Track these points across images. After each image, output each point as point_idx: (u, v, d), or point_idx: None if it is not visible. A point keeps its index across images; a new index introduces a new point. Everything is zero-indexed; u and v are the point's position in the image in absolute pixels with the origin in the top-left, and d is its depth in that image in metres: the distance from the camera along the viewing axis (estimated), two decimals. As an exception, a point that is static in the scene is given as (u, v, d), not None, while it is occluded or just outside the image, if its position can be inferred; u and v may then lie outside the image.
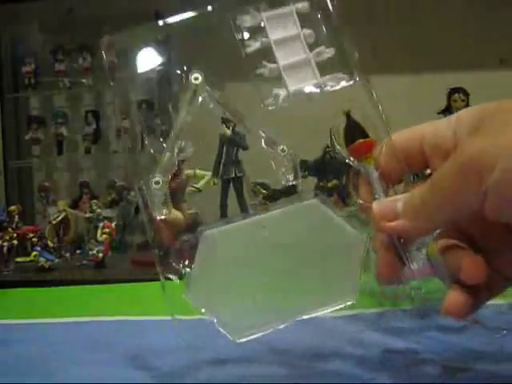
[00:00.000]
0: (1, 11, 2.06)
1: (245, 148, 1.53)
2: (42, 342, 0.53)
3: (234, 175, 1.67)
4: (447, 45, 1.87)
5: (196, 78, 0.40)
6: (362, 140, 0.37)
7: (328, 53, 0.40)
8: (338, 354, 0.45)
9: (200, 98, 0.40)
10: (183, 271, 0.39)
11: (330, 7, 0.39)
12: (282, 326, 0.39)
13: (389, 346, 0.46)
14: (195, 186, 1.57)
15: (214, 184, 1.63)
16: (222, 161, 1.63)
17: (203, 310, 0.38)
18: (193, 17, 0.39)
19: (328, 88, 0.39)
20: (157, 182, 0.40)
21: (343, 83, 0.39)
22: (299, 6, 0.40)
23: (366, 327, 0.51)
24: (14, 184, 2.21)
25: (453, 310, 0.34)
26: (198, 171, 1.56)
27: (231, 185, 1.69)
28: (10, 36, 2.21)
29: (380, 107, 0.38)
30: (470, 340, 0.46)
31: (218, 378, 0.42)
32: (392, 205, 0.35)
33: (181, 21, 0.39)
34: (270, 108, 0.39)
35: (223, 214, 1.69)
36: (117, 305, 0.65)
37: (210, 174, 1.59)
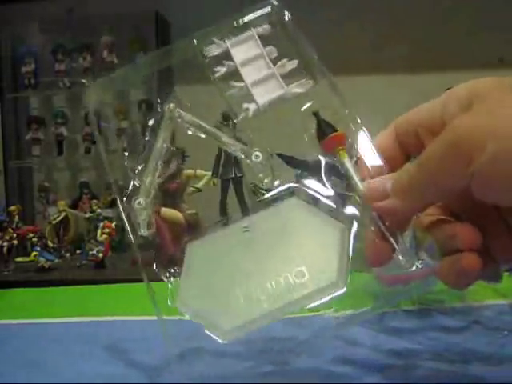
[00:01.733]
0: (1, 11, 2.06)
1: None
2: (42, 341, 0.53)
3: (233, 175, 1.67)
4: (447, 44, 1.87)
5: (171, 109, 0.44)
6: (332, 134, 0.38)
7: (291, 64, 0.42)
8: (338, 355, 0.45)
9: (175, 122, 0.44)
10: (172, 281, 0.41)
11: (287, 17, 0.42)
12: (268, 323, 0.38)
13: (389, 347, 0.46)
14: (195, 186, 1.57)
15: (214, 184, 1.62)
16: (222, 161, 1.63)
17: (188, 317, 0.39)
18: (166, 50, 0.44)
19: (294, 92, 0.41)
20: (139, 203, 0.42)
21: (308, 87, 0.42)
22: (260, 29, 0.43)
23: (367, 327, 0.51)
24: (14, 184, 2.21)
25: (473, 263, 0.32)
26: (198, 171, 1.56)
27: (231, 185, 1.68)
28: (10, 36, 2.20)
29: (345, 101, 0.40)
30: (470, 340, 0.46)
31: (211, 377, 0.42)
32: (382, 184, 0.35)
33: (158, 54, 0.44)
34: (240, 118, 0.42)
35: (223, 215, 1.68)
36: (117, 305, 0.65)
37: (209, 174, 1.59)
